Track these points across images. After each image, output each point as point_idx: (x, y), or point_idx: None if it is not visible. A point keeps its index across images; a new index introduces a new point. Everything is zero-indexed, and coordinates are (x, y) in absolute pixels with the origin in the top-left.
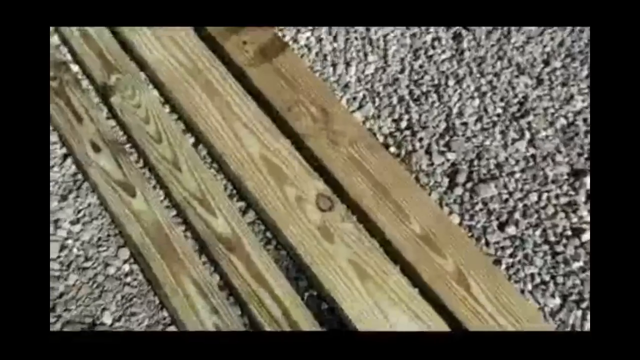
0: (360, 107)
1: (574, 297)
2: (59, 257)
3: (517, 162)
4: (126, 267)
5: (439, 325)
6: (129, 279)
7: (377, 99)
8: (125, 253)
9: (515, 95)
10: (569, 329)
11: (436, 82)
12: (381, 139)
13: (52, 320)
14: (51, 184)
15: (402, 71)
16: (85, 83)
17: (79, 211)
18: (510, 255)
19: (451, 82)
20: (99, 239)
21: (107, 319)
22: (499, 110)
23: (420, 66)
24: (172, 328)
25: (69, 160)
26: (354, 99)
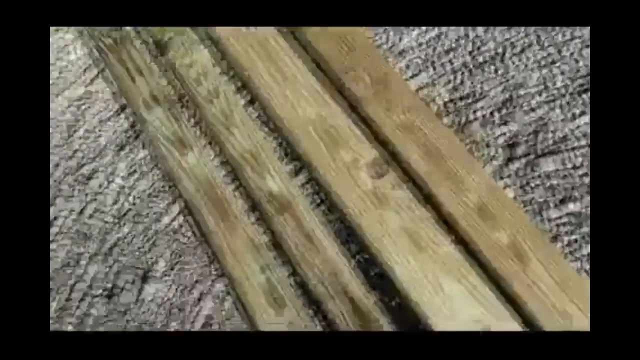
0: (417, 74)
1: None
2: (111, 208)
3: (580, 137)
4: (177, 222)
5: (491, 300)
6: (180, 233)
7: (434, 67)
8: (176, 208)
9: (579, 70)
10: None
11: (496, 51)
12: (436, 108)
13: (105, 269)
14: (106, 137)
15: (460, 39)
16: (139, 40)
17: (132, 165)
18: (569, 233)
19: (512, 52)
20: (151, 193)
21: (159, 268)
22: (563, 83)
23: (480, 35)
24: (221, 283)
25: (123, 115)
26: (410, 66)
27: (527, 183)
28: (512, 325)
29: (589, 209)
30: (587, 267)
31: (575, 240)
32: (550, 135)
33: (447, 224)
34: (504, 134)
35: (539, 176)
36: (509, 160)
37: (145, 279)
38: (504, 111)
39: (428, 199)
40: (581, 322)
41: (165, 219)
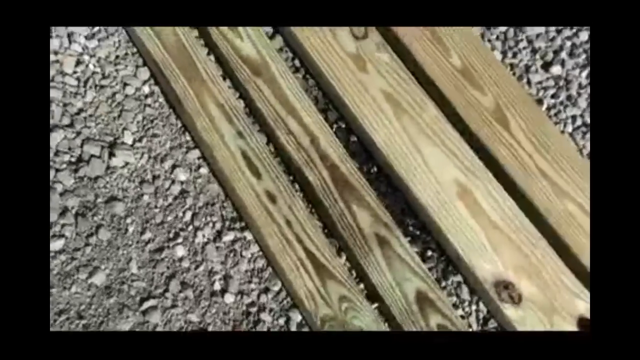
0: None
1: None
2: (74, 72)
3: None
4: (146, 88)
5: (472, 162)
6: (149, 100)
7: None
8: (145, 73)
9: None
10: None
11: None
12: None
13: (71, 136)
14: None
15: None
16: None
17: (95, 27)
18: (553, 96)
19: None
20: (117, 56)
21: (127, 138)
22: None
23: None
24: (196, 152)
25: None
26: None
27: (513, 46)
28: (491, 186)
29: (572, 72)
30: (570, 129)
31: (561, 103)
32: None
33: (430, 86)
34: None
35: (524, 39)
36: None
37: (113, 148)
38: None
39: (410, 61)
40: (562, 184)
41: (133, 85)
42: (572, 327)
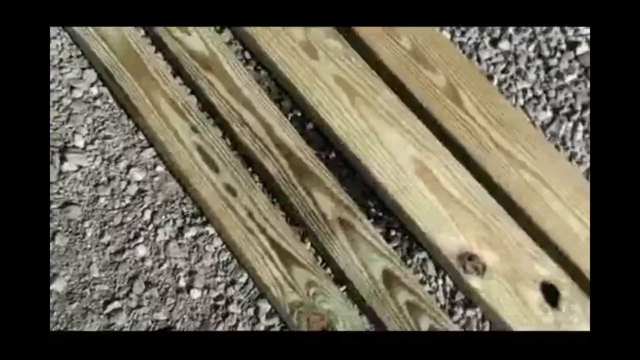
0: None
1: (565, 110)
2: None
3: None
4: (94, 90)
5: (429, 141)
6: (98, 102)
7: None
8: (91, 75)
9: None
10: (558, 143)
11: None
12: None
13: None
14: None
15: None
16: None
17: None
18: (503, 71)
19: None
20: (61, 60)
21: (78, 142)
22: None
23: None
24: (150, 150)
25: None
26: None
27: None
28: (449, 162)
29: (519, 46)
30: (521, 102)
31: (512, 77)
32: None
33: (382, 69)
34: None
35: None
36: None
37: (64, 152)
38: None
39: (362, 46)
40: (518, 155)
41: (81, 88)
42: (536, 293)
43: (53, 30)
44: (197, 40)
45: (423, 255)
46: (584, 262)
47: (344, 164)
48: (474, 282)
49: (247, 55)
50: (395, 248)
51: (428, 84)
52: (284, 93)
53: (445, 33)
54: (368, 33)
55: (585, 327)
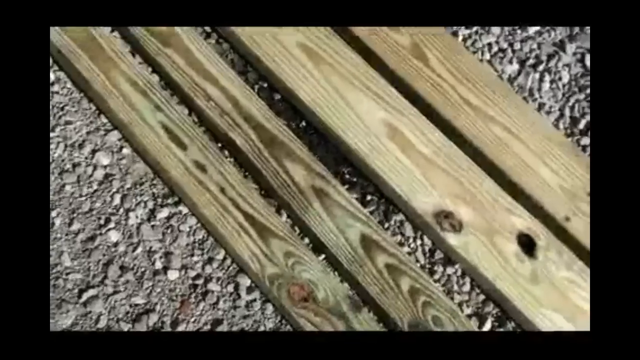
0: None
1: (531, 62)
2: None
3: None
4: (51, 76)
5: (397, 102)
6: (56, 87)
7: None
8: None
9: None
10: (526, 94)
11: None
12: None
13: None
14: None
15: None
16: None
17: None
18: (467, 27)
19: None
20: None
21: None
22: None
23: None
24: (115, 133)
25: None
26: None
27: None
28: (419, 121)
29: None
30: (488, 56)
31: (476, 32)
32: None
33: (346, 33)
34: None
35: None
36: None
37: None
38: None
39: None
40: (487, 109)
41: None
42: (513, 245)
43: None
44: None
45: (400, 217)
46: (557, 210)
47: (315, 132)
48: (452, 239)
49: (207, 28)
50: (371, 212)
51: (392, 44)
52: (248, 65)
53: None
54: None
55: (564, 272)
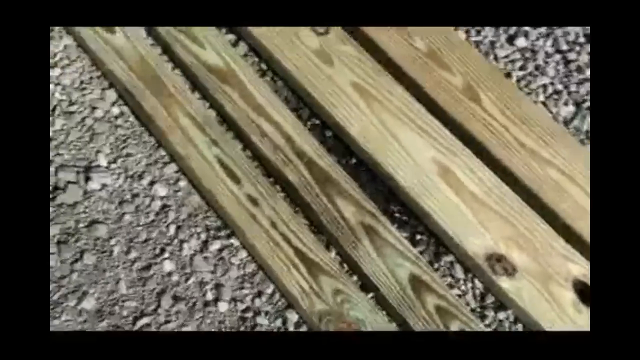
0: None
1: (587, 104)
2: None
3: None
4: (115, 109)
5: (449, 141)
6: (120, 121)
7: None
8: (112, 95)
9: None
10: (582, 137)
11: None
12: None
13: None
14: None
15: None
16: None
17: (56, 54)
18: (521, 68)
19: None
20: (82, 82)
21: (102, 161)
22: None
23: None
24: (173, 166)
25: None
26: None
27: None
28: (471, 162)
29: (537, 42)
30: (542, 98)
31: (530, 74)
32: None
33: (398, 72)
34: None
35: None
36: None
37: (89, 172)
38: None
39: (375, 50)
40: (541, 151)
41: (102, 108)
42: (569, 292)
43: (73, 54)
44: (213, 54)
45: (450, 258)
46: None
47: (365, 169)
48: (504, 283)
49: (263, 66)
50: (421, 252)
51: (446, 85)
52: (301, 102)
53: (461, 33)
54: (381, 36)
55: None
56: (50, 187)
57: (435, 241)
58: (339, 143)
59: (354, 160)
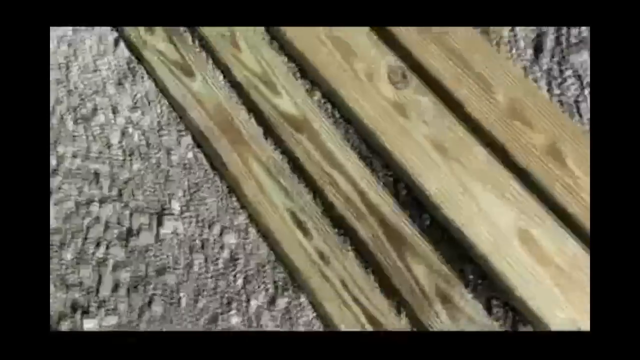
0: None
1: None
2: (120, 144)
3: None
4: (190, 154)
5: (530, 205)
6: (194, 166)
7: None
8: (187, 140)
9: None
10: None
11: None
12: None
13: (120, 208)
14: (106, 70)
15: None
16: None
17: (137, 97)
18: None
19: None
20: (160, 125)
21: (175, 206)
22: None
23: None
24: (243, 214)
25: (121, 45)
26: None
27: (558, 76)
28: (552, 226)
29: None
30: None
31: None
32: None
33: (477, 128)
34: (531, 29)
35: (569, 70)
36: (538, 56)
37: (162, 216)
38: None
39: (454, 104)
40: None
41: (178, 152)
42: None
43: (154, 97)
44: (288, 101)
45: (528, 328)
46: None
47: (440, 228)
48: None
49: (338, 115)
50: (497, 320)
51: (526, 143)
52: (375, 153)
53: (543, 87)
54: (460, 88)
55: None
56: (125, 231)
57: (512, 309)
58: (413, 199)
59: (427, 218)
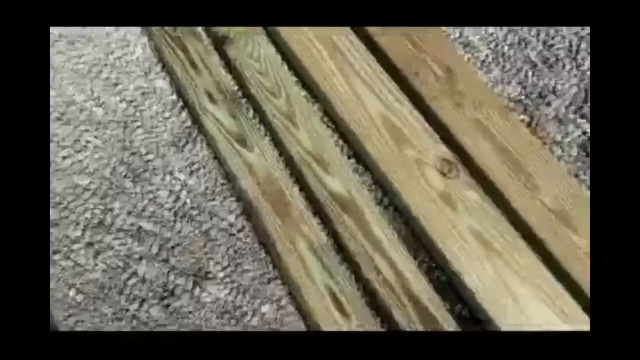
0: (485, 68)
1: None
2: (172, 207)
3: None
4: (238, 222)
5: (573, 309)
6: (240, 235)
7: (503, 62)
8: (237, 207)
9: None
10: None
11: (570, 45)
12: (508, 104)
13: (165, 269)
14: (165, 133)
15: (532, 31)
16: (201, 33)
17: (192, 162)
18: None
19: (586, 46)
20: (212, 191)
21: (217, 272)
22: None
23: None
24: (282, 288)
25: (184, 112)
26: (479, 59)
27: None
28: None
29: None
30: None
31: None
32: None
33: (522, 226)
34: (580, 129)
35: None
36: (587, 156)
37: (203, 281)
38: (579, 108)
39: (501, 200)
40: None
41: (226, 219)
42: None
43: (208, 163)
44: (338, 181)
45: None
46: None
47: (477, 323)
48: None
49: (385, 200)
50: None
51: (573, 248)
52: (419, 241)
53: (584, 188)
54: (508, 186)
55: None
56: (165, 293)
57: None
58: (453, 290)
59: (466, 311)
